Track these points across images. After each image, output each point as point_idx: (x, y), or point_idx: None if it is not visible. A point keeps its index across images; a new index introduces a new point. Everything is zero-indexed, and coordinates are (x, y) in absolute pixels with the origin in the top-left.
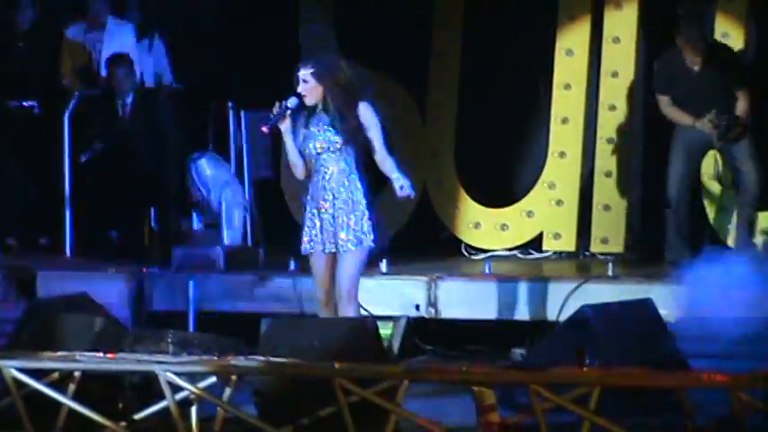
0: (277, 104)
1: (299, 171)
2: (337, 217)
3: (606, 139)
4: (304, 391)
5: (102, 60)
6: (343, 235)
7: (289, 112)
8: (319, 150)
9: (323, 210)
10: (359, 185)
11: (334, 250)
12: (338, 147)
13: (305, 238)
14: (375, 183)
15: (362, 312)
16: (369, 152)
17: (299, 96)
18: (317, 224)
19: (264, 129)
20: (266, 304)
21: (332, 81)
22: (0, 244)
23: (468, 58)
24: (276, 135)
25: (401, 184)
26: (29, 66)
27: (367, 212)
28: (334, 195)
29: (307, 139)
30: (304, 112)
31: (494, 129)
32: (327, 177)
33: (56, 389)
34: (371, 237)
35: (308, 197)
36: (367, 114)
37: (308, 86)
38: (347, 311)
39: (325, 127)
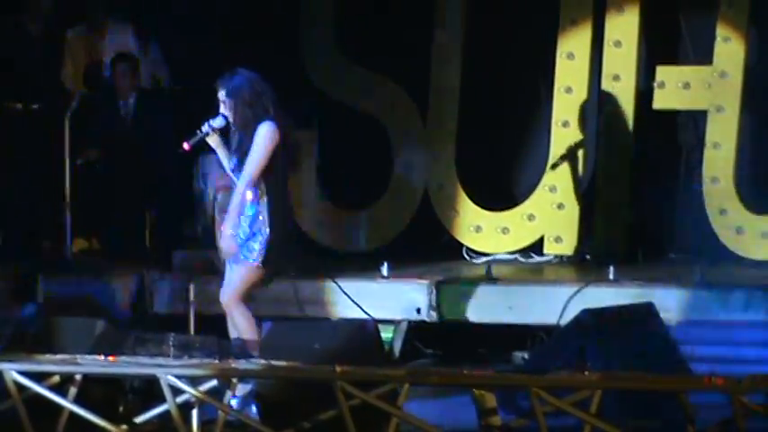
0: (206, 124)
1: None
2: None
3: (607, 143)
4: (305, 394)
5: (103, 62)
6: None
7: (210, 131)
8: (232, 170)
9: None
10: (252, 205)
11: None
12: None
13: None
14: (374, 185)
15: (244, 322)
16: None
17: (225, 116)
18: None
19: (186, 145)
20: (267, 307)
21: (239, 100)
22: (3, 245)
23: (470, 61)
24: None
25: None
26: (31, 68)
27: (257, 233)
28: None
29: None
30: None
31: (495, 132)
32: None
33: (57, 392)
34: (257, 256)
35: None
36: (259, 135)
37: (226, 107)
38: (230, 321)
39: (235, 147)
